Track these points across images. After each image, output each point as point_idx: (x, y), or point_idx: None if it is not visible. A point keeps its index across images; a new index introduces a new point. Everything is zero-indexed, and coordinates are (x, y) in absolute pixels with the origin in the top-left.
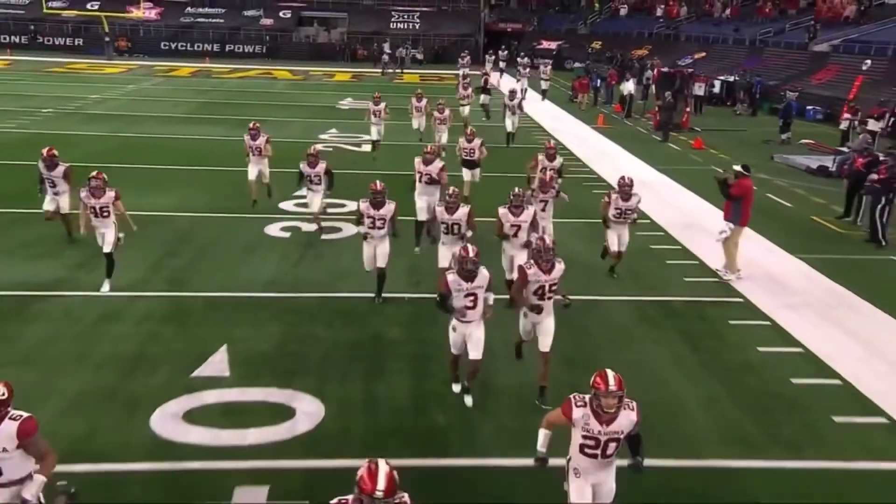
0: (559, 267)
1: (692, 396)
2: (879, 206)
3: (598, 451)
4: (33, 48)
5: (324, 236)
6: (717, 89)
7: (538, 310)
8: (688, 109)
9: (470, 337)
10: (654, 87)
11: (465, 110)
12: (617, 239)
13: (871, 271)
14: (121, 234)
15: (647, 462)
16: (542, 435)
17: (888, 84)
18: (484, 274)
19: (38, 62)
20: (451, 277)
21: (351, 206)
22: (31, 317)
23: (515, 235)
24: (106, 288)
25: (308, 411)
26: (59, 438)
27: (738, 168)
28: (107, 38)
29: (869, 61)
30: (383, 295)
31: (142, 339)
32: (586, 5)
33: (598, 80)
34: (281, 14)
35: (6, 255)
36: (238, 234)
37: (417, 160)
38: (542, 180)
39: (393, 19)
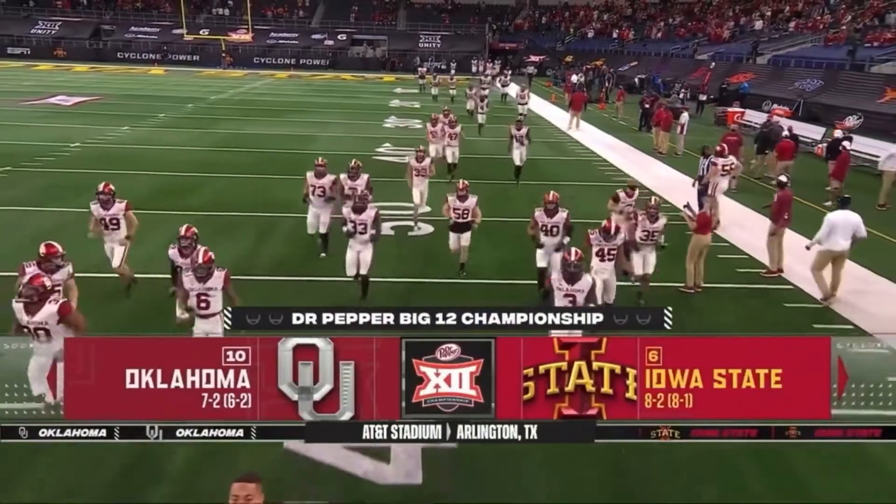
0: (587, 279)
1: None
2: (645, 115)
3: None
4: (164, 63)
5: None
6: (636, 83)
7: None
8: (602, 90)
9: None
10: (584, 77)
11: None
12: (642, 261)
13: (635, 138)
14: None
15: None
16: None
17: (723, 77)
18: (587, 279)
19: (183, 71)
20: (555, 276)
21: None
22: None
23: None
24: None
25: None
26: None
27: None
28: (223, 54)
29: (714, 63)
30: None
31: None
32: (563, 30)
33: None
34: (339, 37)
35: None
36: None
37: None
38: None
39: (421, 40)
